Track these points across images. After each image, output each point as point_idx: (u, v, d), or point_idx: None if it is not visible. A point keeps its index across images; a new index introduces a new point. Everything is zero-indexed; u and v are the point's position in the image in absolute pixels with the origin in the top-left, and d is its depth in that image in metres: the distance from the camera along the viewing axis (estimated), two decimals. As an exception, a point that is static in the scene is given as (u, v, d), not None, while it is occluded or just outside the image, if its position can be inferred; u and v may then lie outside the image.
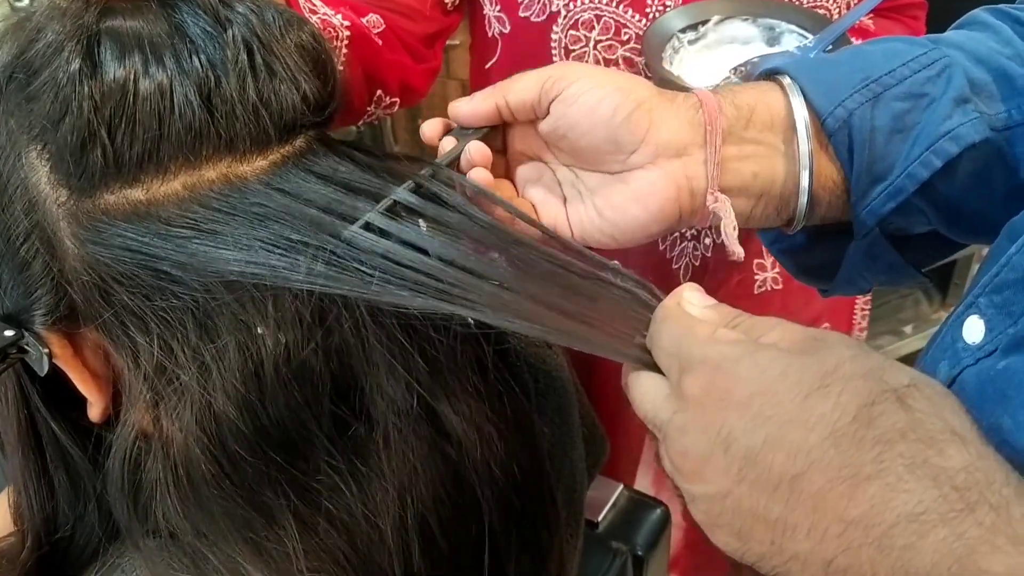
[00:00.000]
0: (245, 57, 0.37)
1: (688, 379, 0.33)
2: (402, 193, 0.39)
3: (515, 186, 0.49)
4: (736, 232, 0.45)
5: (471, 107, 0.46)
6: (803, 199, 0.44)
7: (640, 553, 0.79)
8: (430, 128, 0.47)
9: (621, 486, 0.83)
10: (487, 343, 0.46)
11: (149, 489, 0.38)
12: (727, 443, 0.31)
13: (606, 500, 0.82)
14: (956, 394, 0.31)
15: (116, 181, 0.36)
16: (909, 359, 1.88)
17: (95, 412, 0.39)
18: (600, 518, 0.80)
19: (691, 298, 0.37)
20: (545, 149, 0.47)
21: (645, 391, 0.36)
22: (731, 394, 0.31)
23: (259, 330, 0.36)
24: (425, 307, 0.36)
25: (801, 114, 0.44)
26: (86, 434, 0.41)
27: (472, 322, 0.41)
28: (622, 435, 0.99)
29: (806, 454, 0.29)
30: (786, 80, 0.45)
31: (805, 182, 0.44)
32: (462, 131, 0.47)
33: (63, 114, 0.35)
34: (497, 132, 0.48)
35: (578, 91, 0.43)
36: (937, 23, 0.88)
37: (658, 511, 0.83)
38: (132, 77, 0.35)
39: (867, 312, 1.04)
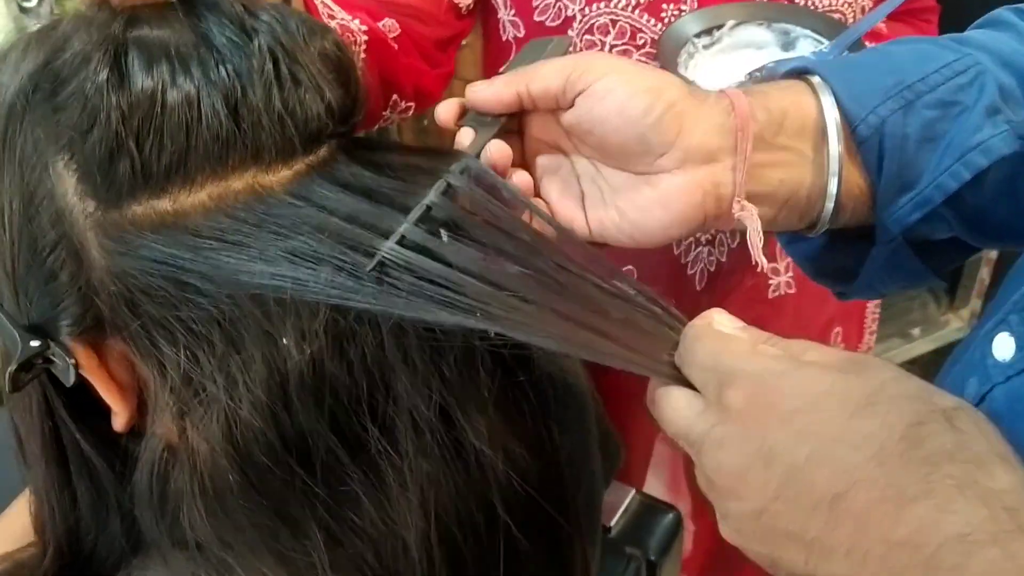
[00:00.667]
0: (271, 67, 0.37)
1: (730, 392, 0.32)
2: (434, 197, 0.38)
3: (532, 175, 0.48)
4: (761, 241, 0.44)
5: (492, 93, 0.44)
6: (829, 205, 0.44)
7: (653, 558, 0.79)
8: (445, 110, 0.46)
9: (633, 491, 0.83)
10: (508, 354, 0.45)
11: (176, 500, 0.38)
12: (768, 458, 0.30)
13: (619, 505, 0.82)
14: (986, 412, 0.31)
15: (144, 192, 0.36)
16: (917, 361, 1.88)
17: (120, 422, 0.39)
18: (613, 523, 0.79)
19: (722, 320, 0.37)
20: (565, 139, 0.46)
21: (678, 406, 0.35)
22: (775, 408, 0.31)
23: (284, 341, 0.36)
24: (454, 323, 0.36)
25: (833, 117, 0.43)
26: (111, 445, 0.41)
27: (493, 334, 0.41)
28: (633, 437, 0.99)
29: (850, 473, 0.29)
30: (816, 80, 0.44)
31: (833, 188, 0.43)
32: (479, 118, 0.44)
33: (91, 125, 0.35)
34: (514, 116, 0.46)
35: (607, 87, 0.42)
36: (948, 27, 0.89)
37: (670, 516, 0.83)
38: (160, 88, 0.35)
39: (877, 316, 1.04)
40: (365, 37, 0.71)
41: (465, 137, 0.44)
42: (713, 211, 0.44)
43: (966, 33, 0.48)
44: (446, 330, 0.39)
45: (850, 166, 0.43)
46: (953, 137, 0.42)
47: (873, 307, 1.03)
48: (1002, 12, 0.49)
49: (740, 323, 0.37)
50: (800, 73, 0.45)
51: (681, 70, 0.75)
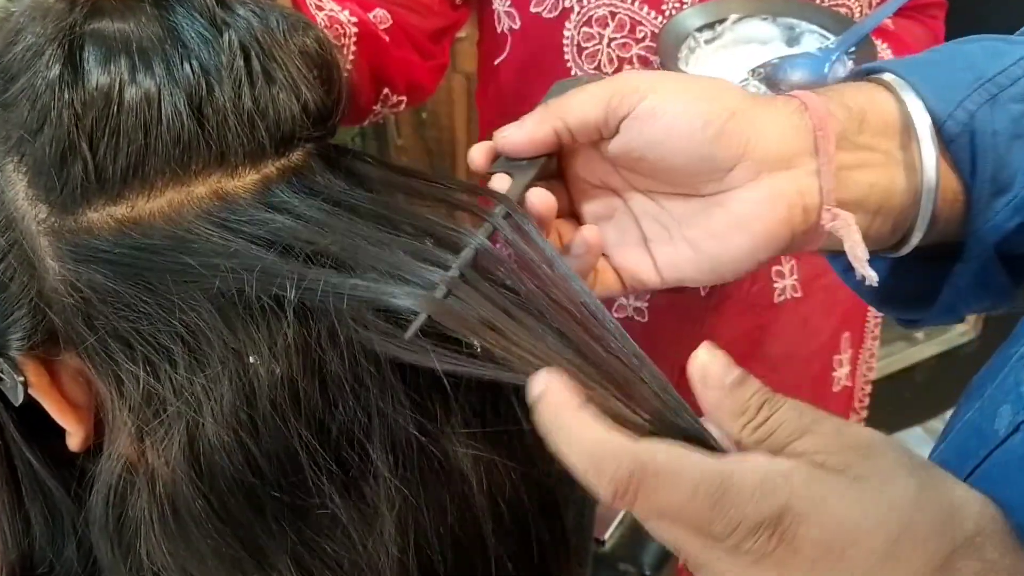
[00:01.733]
0: (241, 63, 0.34)
1: (746, 541, 0.28)
2: (482, 239, 0.34)
3: (581, 224, 0.41)
4: (866, 255, 0.38)
5: (524, 135, 0.39)
6: (927, 209, 0.38)
7: (648, 573, 0.76)
8: (479, 155, 0.40)
9: (628, 501, 0.80)
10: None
11: (133, 526, 0.36)
12: None
13: (612, 516, 0.79)
14: (1020, 441, 0.29)
15: (99, 197, 0.33)
16: (922, 365, 1.85)
17: (75, 442, 0.37)
18: (607, 536, 0.77)
19: (712, 369, 0.30)
20: (614, 174, 0.41)
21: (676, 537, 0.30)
22: (794, 558, 0.28)
23: (251, 359, 0.34)
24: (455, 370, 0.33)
25: (920, 113, 0.38)
26: (66, 466, 0.38)
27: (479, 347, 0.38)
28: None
29: None
30: (890, 78, 0.39)
31: (931, 188, 0.38)
32: (511, 162, 0.39)
33: (41, 124, 0.33)
34: (552, 157, 0.40)
35: (654, 104, 0.37)
36: (955, 23, 0.86)
37: (666, 527, 0.80)
38: (117, 85, 0.33)
39: (879, 319, 1.02)
40: (355, 29, 0.68)
41: (499, 184, 0.39)
42: (801, 225, 0.38)
43: None
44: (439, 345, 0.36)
45: (943, 167, 0.38)
46: None
47: (875, 311, 1.01)
48: None
49: (729, 375, 0.30)
50: (866, 75, 0.41)
51: (681, 65, 0.72)
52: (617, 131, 0.38)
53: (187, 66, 0.34)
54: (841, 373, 0.95)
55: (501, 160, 0.40)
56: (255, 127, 0.34)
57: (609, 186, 0.41)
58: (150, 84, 0.33)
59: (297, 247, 0.34)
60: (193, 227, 0.34)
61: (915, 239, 0.40)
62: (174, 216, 0.34)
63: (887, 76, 0.39)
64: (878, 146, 0.39)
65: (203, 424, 0.34)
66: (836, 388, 0.96)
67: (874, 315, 1.01)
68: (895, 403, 1.59)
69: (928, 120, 0.38)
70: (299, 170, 0.36)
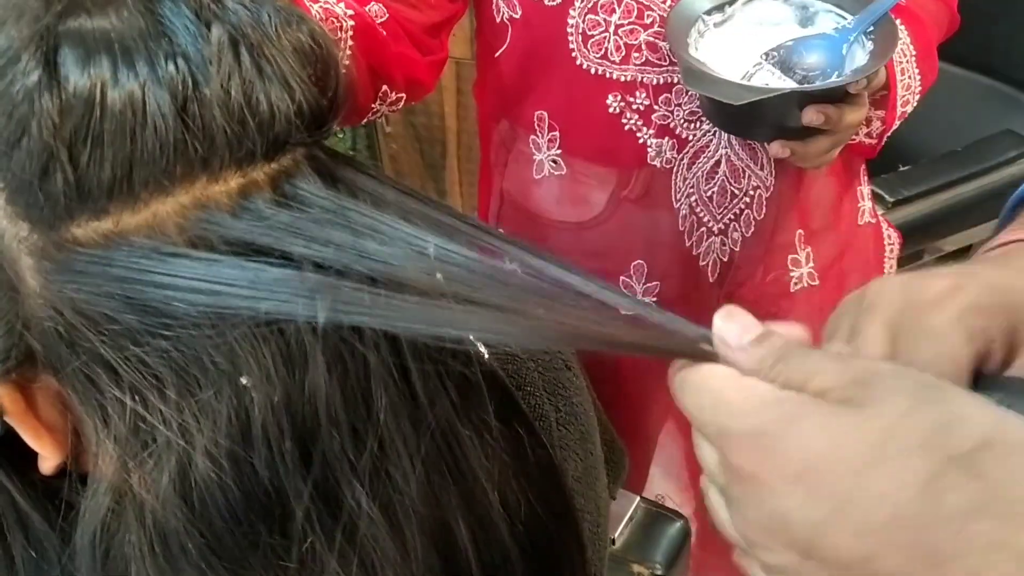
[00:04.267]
0: (230, 59, 0.32)
1: (732, 455, 0.30)
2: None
3: None
4: None
5: None
6: None
7: (660, 573, 0.75)
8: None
9: (638, 499, 0.79)
10: (505, 383, 0.41)
11: (123, 562, 0.34)
12: (785, 522, 0.28)
13: (623, 514, 0.77)
14: None
15: (83, 212, 0.31)
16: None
17: (47, 466, 0.35)
18: (617, 534, 0.76)
19: (727, 332, 0.32)
20: None
21: (703, 456, 0.32)
22: (779, 473, 0.28)
23: (244, 381, 0.32)
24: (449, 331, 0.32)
25: None
26: (50, 498, 0.36)
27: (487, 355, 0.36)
28: (635, 438, 0.96)
29: (873, 536, 0.27)
30: None
31: None
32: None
33: (19, 136, 0.30)
34: None
35: None
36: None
37: (678, 525, 0.79)
38: (99, 88, 0.30)
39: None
40: (352, 23, 0.65)
41: None
42: None
43: None
44: (436, 361, 0.35)
45: None
46: None
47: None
48: None
49: (750, 332, 0.31)
50: None
51: (691, 51, 0.69)
52: None
53: (171, 64, 0.31)
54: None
55: None
56: (244, 125, 0.32)
57: None
58: (134, 85, 0.30)
59: (287, 255, 0.32)
60: (175, 239, 0.31)
61: None
62: (157, 228, 0.31)
63: None
64: None
65: (195, 454, 0.31)
66: None
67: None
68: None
69: None
70: (289, 175, 0.33)
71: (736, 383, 0.31)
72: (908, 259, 1.46)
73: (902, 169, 1.42)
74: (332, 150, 0.36)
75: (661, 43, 0.72)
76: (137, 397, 0.31)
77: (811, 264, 0.84)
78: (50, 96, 0.30)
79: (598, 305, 0.33)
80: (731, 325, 0.32)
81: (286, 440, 0.32)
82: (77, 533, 0.35)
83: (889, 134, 0.79)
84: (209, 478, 0.32)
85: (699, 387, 0.31)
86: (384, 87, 0.71)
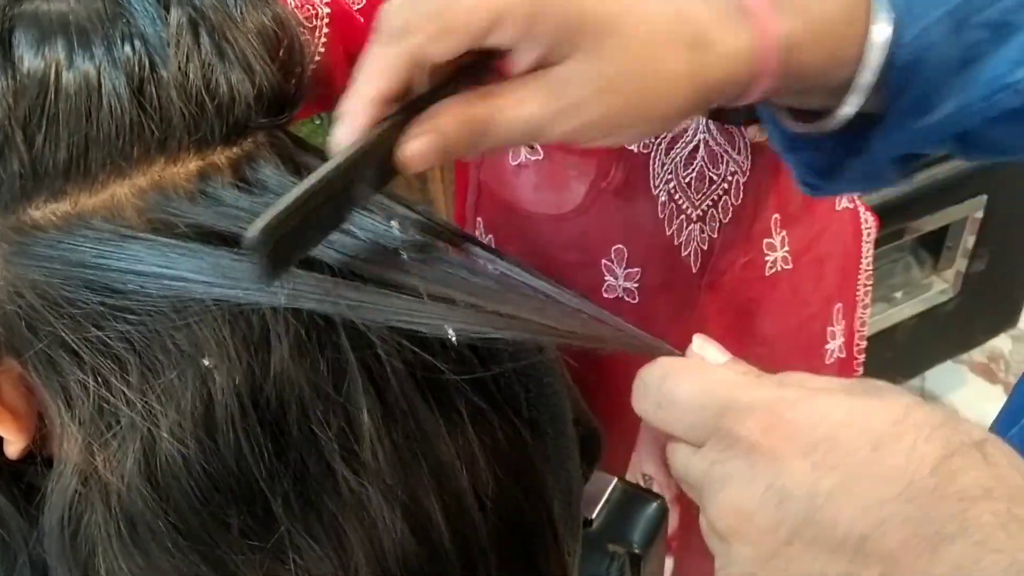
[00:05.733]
0: (189, 41, 0.32)
1: (737, 427, 0.29)
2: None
3: None
4: None
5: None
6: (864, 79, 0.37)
7: (638, 551, 0.75)
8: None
9: (615, 480, 0.80)
10: (478, 363, 0.41)
11: (90, 544, 0.34)
12: (780, 497, 0.27)
13: (600, 496, 0.78)
14: None
15: (39, 194, 0.31)
16: (901, 326, 1.85)
17: (12, 451, 0.35)
18: (594, 515, 0.76)
19: (706, 354, 0.33)
20: None
21: (674, 456, 0.32)
22: (792, 441, 0.28)
23: (206, 362, 0.32)
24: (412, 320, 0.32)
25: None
26: (13, 480, 0.36)
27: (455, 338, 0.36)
28: (615, 423, 0.96)
29: (878, 510, 0.26)
30: None
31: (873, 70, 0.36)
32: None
33: None
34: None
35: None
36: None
37: (654, 505, 0.80)
38: (53, 69, 0.30)
39: (869, 287, 1.02)
40: (328, 10, 0.64)
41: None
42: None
43: None
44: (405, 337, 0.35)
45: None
46: (990, 67, 0.37)
47: (864, 279, 1.00)
48: None
49: (727, 354, 0.33)
50: None
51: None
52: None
53: (127, 46, 0.31)
54: (834, 345, 0.94)
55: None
56: (203, 108, 0.32)
57: None
58: (89, 67, 0.31)
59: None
60: (134, 222, 0.32)
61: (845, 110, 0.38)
62: (116, 210, 0.31)
63: None
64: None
65: (159, 436, 0.32)
66: (829, 360, 0.95)
67: (864, 284, 1.00)
68: (878, 363, 1.60)
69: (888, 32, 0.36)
70: (251, 160, 0.33)
71: (741, 370, 0.31)
72: (888, 238, 1.47)
73: (880, 151, 1.43)
74: (296, 136, 0.36)
75: None
76: (100, 379, 0.32)
77: (785, 248, 0.84)
78: (4, 77, 0.30)
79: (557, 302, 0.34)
80: (708, 346, 0.33)
81: (251, 421, 0.32)
82: (44, 516, 0.35)
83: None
84: (174, 459, 0.32)
85: (700, 373, 0.31)
86: None
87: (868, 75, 0.37)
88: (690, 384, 0.31)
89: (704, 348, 0.33)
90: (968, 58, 0.37)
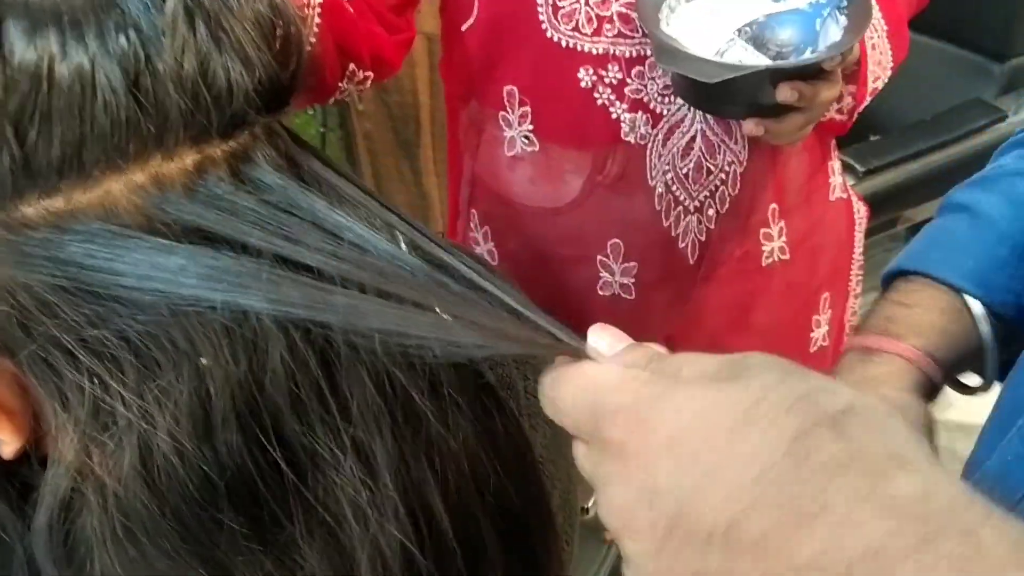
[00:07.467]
0: (185, 30, 0.31)
1: (606, 430, 0.29)
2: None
3: None
4: None
5: None
6: None
7: (632, 542, 0.75)
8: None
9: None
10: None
11: (85, 544, 0.34)
12: (652, 494, 0.28)
13: (596, 486, 0.77)
14: None
15: (32, 191, 0.30)
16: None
17: (8, 451, 0.34)
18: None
19: (599, 343, 0.32)
20: None
21: (575, 454, 0.32)
22: (650, 441, 0.28)
23: (204, 361, 0.31)
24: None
25: None
26: (8, 479, 0.36)
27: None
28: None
29: (739, 498, 0.26)
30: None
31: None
32: None
33: None
34: None
35: None
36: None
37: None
38: (46, 62, 0.29)
39: (860, 277, 1.02)
40: (319, 0, 0.64)
41: None
42: None
43: None
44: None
45: None
46: None
47: (856, 269, 1.00)
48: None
49: (623, 341, 0.32)
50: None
51: (662, 26, 0.69)
52: None
53: (121, 36, 0.30)
54: (818, 334, 0.95)
55: None
56: (199, 100, 0.31)
57: None
58: (83, 58, 0.30)
59: (241, 242, 0.31)
60: (129, 219, 0.31)
61: None
62: (110, 207, 0.31)
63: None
64: None
65: (156, 437, 0.31)
66: (813, 349, 0.95)
67: (856, 274, 1.00)
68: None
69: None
70: (248, 153, 0.33)
71: (613, 369, 0.31)
72: (881, 227, 1.47)
73: (873, 139, 1.43)
74: (291, 131, 0.35)
75: (633, 14, 0.72)
76: (96, 380, 0.31)
77: (783, 238, 0.84)
78: None
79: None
80: (603, 336, 0.32)
81: (248, 421, 0.32)
82: (36, 515, 0.34)
83: (860, 110, 0.79)
84: (171, 460, 0.31)
85: (574, 375, 0.31)
86: (352, 65, 0.70)
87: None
88: (566, 387, 0.31)
89: (599, 340, 0.32)
90: None
